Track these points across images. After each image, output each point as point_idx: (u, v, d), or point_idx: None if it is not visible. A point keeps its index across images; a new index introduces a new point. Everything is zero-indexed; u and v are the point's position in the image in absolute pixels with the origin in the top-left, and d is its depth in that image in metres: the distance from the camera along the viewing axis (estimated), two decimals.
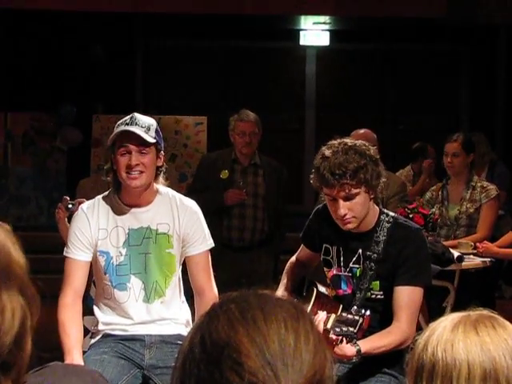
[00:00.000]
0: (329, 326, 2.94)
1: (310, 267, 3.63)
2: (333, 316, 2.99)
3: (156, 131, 3.37)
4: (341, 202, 3.14)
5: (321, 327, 2.91)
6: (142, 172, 3.31)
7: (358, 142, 3.21)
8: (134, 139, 3.30)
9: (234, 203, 5.71)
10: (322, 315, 3.00)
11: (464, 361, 1.58)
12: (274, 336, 1.19)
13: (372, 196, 3.22)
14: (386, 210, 3.33)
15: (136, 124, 3.32)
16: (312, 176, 3.23)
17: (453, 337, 1.61)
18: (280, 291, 3.46)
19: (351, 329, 2.94)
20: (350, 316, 2.97)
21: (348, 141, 3.20)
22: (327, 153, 3.15)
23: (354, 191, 3.14)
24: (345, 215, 3.16)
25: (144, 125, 3.33)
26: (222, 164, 5.83)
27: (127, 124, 3.32)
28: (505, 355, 1.58)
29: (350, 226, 3.21)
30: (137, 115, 3.37)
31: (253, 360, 1.16)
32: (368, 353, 3.03)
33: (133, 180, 3.32)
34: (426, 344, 1.64)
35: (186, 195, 3.61)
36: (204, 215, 3.52)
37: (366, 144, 3.24)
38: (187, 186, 9.22)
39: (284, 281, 3.54)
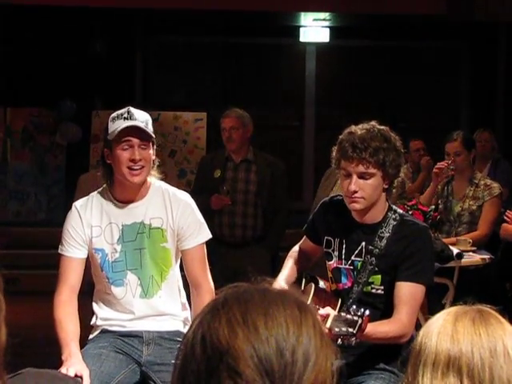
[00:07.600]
0: (328, 325, 2.92)
1: (311, 260, 3.62)
2: (332, 314, 2.98)
3: (151, 126, 3.37)
4: (355, 177, 3.15)
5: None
6: (143, 167, 3.30)
7: (388, 130, 3.22)
8: (137, 133, 3.29)
9: (217, 208, 5.75)
10: (321, 312, 2.98)
11: (433, 347, 1.62)
12: (275, 343, 1.18)
13: (386, 186, 3.21)
14: (394, 207, 3.31)
15: (135, 119, 3.31)
16: (334, 149, 3.23)
17: (433, 324, 1.66)
18: (282, 278, 3.44)
19: (350, 329, 2.91)
20: (349, 316, 2.94)
21: (380, 126, 3.21)
22: (354, 128, 3.18)
23: (371, 171, 3.14)
24: (354, 192, 3.16)
25: (142, 119, 3.33)
26: (216, 163, 5.89)
27: (126, 118, 3.31)
28: (473, 348, 1.60)
29: (356, 205, 3.20)
30: (132, 109, 3.35)
31: (250, 369, 1.16)
32: (366, 335, 2.98)
33: (135, 176, 3.31)
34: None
35: None
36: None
37: (395, 135, 3.24)
38: (187, 181, 9.24)
39: (285, 269, 3.51)
